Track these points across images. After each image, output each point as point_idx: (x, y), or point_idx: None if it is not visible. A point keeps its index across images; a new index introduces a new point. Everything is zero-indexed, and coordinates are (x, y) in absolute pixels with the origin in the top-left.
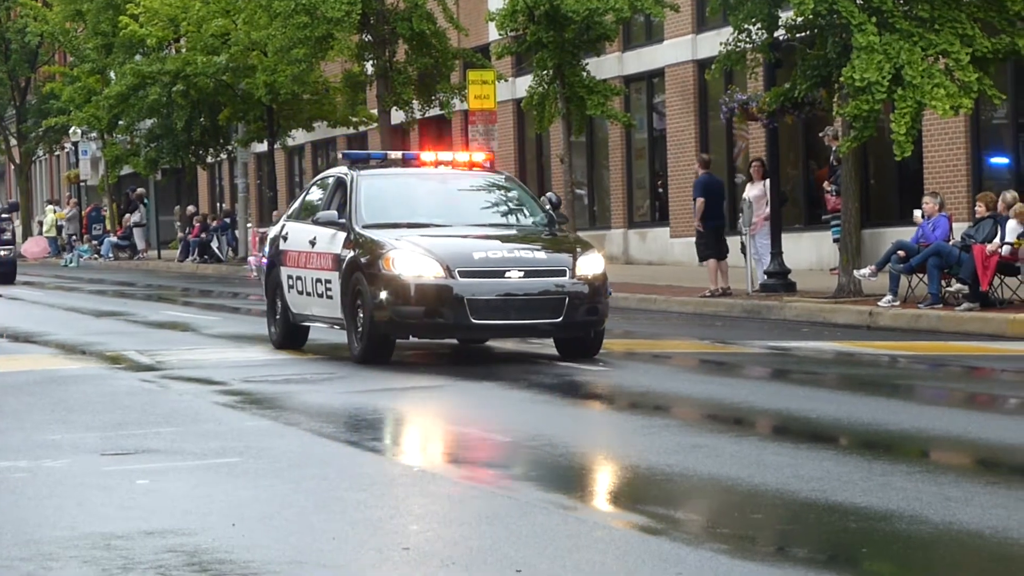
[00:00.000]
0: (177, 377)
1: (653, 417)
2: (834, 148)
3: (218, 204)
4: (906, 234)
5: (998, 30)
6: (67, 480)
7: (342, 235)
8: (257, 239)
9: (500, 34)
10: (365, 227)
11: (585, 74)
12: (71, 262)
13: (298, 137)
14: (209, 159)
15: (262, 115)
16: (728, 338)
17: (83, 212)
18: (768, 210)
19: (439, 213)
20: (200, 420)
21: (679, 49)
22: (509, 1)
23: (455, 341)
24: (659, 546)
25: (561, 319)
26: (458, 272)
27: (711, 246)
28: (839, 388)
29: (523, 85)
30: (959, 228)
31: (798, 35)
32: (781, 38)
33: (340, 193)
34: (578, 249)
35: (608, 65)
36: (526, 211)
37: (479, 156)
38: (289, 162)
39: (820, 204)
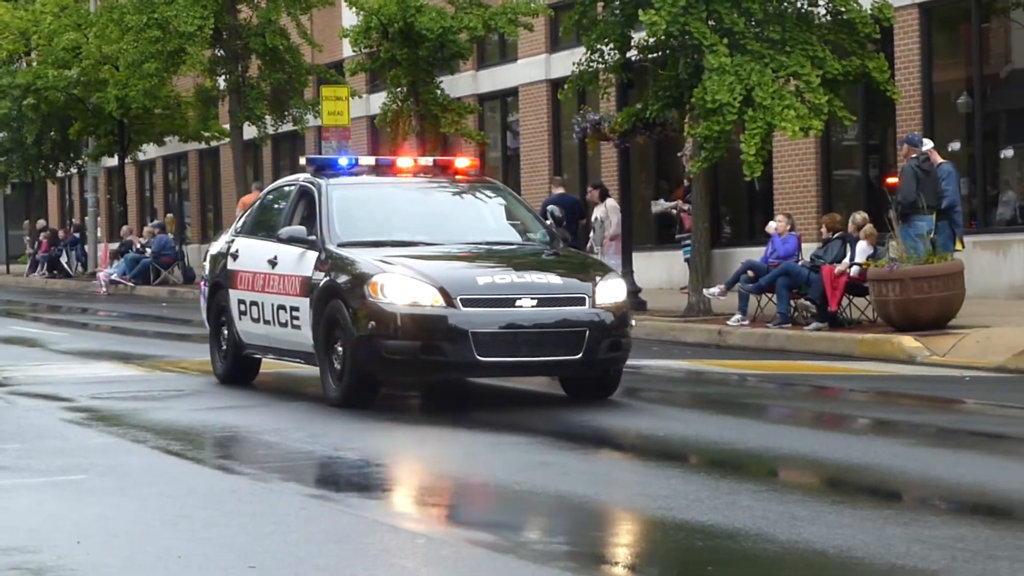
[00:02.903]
0: (24, 393)
1: (501, 435)
2: (687, 168)
3: (68, 219)
4: (756, 254)
5: (849, 52)
6: None
7: (312, 255)
8: (108, 254)
9: (354, 51)
10: (341, 245)
11: (439, 92)
12: None
13: (149, 152)
14: (59, 173)
15: (113, 129)
16: None
17: None
18: (617, 230)
19: (425, 229)
20: (47, 436)
21: (533, 68)
22: (363, 18)
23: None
24: (507, 564)
25: (580, 356)
26: (460, 300)
27: None
28: (688, 406)
29: (377, 102)
30: (808, 248)
31: (650, 56)
32: (634, 59)
33: (304, 205)
34: (596, 273)
35: (462, 83)
36: (524, 227)
37: (464, 162)
38: (140, 177)
39: (672, 223)
